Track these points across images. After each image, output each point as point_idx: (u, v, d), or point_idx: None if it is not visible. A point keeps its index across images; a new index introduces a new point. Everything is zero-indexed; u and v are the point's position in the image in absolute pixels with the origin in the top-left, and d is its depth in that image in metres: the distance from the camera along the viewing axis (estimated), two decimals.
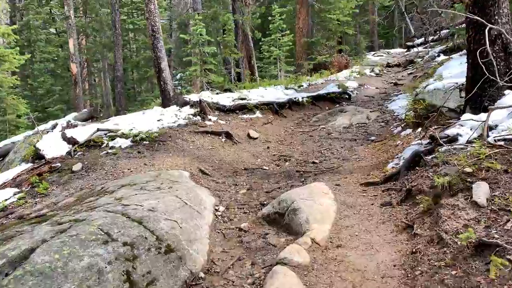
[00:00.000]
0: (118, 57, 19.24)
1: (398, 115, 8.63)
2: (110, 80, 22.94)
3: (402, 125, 7.01)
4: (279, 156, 7.03)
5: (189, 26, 18.91)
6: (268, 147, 7.63)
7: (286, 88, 12.34)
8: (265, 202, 4.77)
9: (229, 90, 11.65)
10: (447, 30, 10.75)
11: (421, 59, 19.40)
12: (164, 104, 9.28)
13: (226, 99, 10.08)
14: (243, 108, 9.62)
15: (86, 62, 23.38)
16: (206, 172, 5.99)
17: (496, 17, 5.02)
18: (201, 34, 10.70)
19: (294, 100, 10.48)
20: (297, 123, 9.45)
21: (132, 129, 7.49)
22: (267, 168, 6.42)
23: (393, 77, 16.75)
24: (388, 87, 14.17)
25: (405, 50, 27.52)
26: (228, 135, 7.76)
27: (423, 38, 16.23)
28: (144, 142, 6.99)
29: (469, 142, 4.35)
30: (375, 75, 17.41)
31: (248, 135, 8.12)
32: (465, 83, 5.62)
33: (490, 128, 4.36)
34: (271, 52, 17.03)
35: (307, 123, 9.35)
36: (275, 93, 11.37)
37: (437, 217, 3.33)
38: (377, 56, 24.78)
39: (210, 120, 8.73)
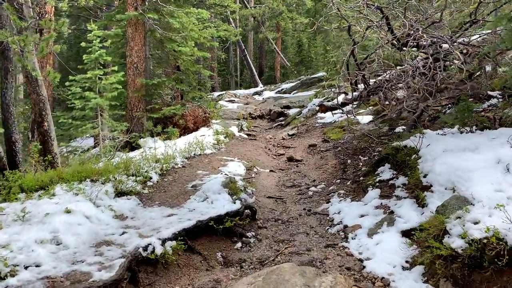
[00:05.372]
0: None
1: None
2: None
3: None
4: None
5: None
6: None
7: (118, 193, 5.85)
8: None
9: None
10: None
11: (294, 110, 15.40)
12: None
13: None
14: None
15: None
16: None
17: None
18: None
19: (144, 255, 4.17)
20: None
21: None
22: None
23: (272, 140, 12.00)
24: (284, 166, 9.10)
25: (252, 93, 24.13)
26: None
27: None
28: None
29: None
30: (247, 136, 12.37)
31: None
32: None
33: None
34: (88, 99, 10.16)
35: None
36: (93, 220, 4.81)
37: None
38: (229, 100, 20.35)
39: None
